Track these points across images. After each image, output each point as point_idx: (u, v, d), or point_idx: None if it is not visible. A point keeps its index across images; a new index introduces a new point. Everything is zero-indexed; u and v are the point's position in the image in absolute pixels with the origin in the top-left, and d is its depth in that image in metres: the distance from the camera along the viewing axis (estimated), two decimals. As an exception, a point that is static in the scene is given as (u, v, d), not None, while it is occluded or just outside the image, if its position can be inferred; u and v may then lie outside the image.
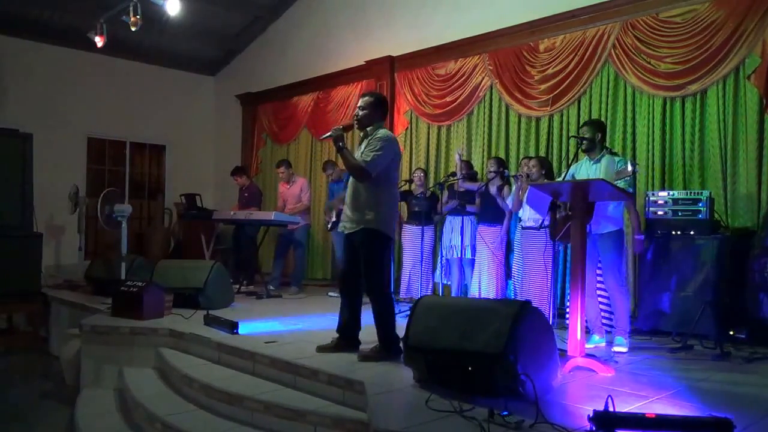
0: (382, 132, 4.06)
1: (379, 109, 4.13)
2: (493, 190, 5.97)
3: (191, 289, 5.81)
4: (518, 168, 5.96)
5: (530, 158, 5.82)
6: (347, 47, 8.60)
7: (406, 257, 6.69)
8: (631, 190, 4.19)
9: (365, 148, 4.04)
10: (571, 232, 3.91)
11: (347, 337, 4.18)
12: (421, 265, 6.43)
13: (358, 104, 4.17)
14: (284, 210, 7.43)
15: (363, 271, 4.06)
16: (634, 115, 5.76)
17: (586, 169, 4.52)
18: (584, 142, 4.45)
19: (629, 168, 3.85)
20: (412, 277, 6.60)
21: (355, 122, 4.16)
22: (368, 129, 4.11)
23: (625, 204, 4.58)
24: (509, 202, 5.84)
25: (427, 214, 6.56)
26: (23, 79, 9.01)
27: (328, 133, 4.11)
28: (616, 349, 4.35)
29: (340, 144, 4.00)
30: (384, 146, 3.94)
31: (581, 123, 5.11)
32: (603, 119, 5.72)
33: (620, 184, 3.97)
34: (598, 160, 4.45)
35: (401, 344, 3.54)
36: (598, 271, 4.56)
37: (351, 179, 4.15)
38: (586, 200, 3.87)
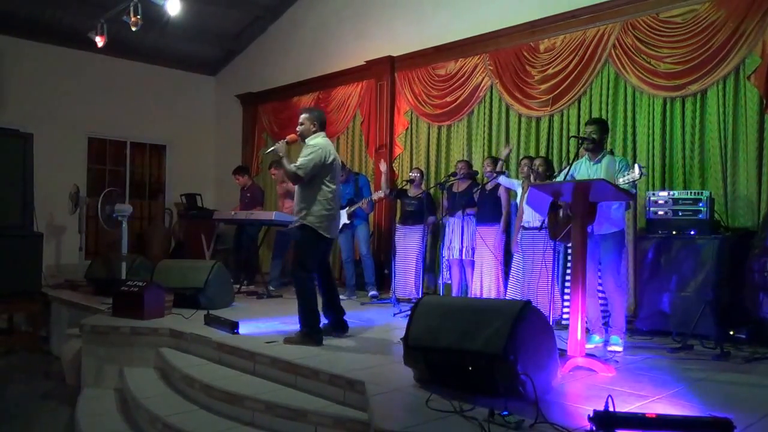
0: (314, 140, 4.58)
1: (316, 122, 4.63)
2: (502, 193, 5.98)
3: (192, 289, 5.82)
4: (518, 170, 5.96)
5: (531, 158, 5.83)
6: (347, 47, 8.60)
7: (399, 257, 6.69)
8: (634, 191, 4.28)
9: (300, 155, 4.55)
10: (572, 232, 3.91)
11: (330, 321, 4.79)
12: (416, 265, 6.44)
13: (299, 120, 4.67)
14: (283, 208, 7.43)
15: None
16: (635, 116, 5.75)
17: (586, 169, 4.53)
18: (591, 142, 4.46)
19: (637, 172, 3.84)
20: (406, 277, 6.61)
21: (299, 136, 4.66)
22: (307, 140, 4.64)
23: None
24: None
25: (420, 214, 6.58)
26: (23, 79, 9.01)
27: (271, 147, 4.70)
28: (611, 348, 4.37)
29: (281, 155, 4.59)
30: (312, 152, 4.47)
31: (586, 121, 5.09)
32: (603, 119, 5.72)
33: (625, 186, 4.00)
34: (599, 161, 4.47)
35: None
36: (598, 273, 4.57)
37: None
38: (587, 200, 3.87)
